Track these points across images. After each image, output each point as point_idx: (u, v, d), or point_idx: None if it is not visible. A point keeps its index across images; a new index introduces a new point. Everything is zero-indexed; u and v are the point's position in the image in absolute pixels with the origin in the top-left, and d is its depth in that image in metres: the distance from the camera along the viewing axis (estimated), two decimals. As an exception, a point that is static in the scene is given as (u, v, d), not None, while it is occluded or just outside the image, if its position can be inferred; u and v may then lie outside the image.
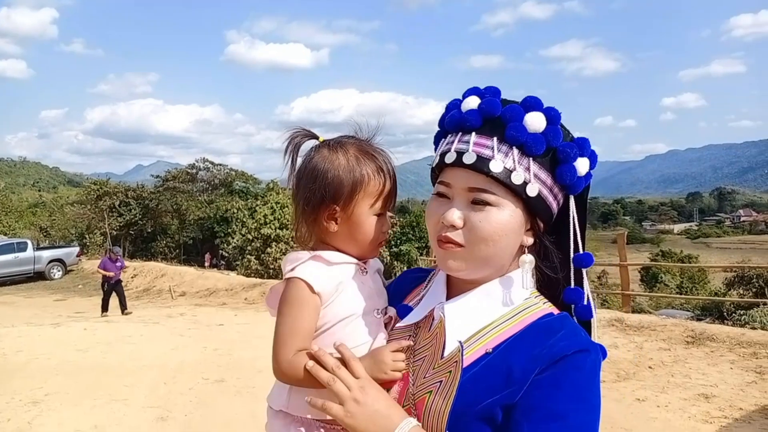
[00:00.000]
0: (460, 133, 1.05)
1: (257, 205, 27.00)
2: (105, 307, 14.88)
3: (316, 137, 1.23)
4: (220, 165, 44.67)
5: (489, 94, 1.06)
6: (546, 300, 1.10)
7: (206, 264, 33.40)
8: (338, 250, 1.18)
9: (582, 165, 1.06)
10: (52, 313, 15.01)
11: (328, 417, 1.05)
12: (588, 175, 1.08)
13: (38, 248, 23.78)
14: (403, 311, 1.18)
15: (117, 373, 7.75)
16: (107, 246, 17.18)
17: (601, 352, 1.03)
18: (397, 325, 1.17)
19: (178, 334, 11.02)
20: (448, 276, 1.14)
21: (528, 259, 1.07)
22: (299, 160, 1.22)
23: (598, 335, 1.10)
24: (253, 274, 22.80)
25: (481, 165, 1.00)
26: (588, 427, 0.94)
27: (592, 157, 1.08)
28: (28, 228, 38.22)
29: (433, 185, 1.13)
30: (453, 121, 1.07)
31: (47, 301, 18.27)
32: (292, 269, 1.15)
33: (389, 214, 1.23)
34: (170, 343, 9.98)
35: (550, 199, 1.05)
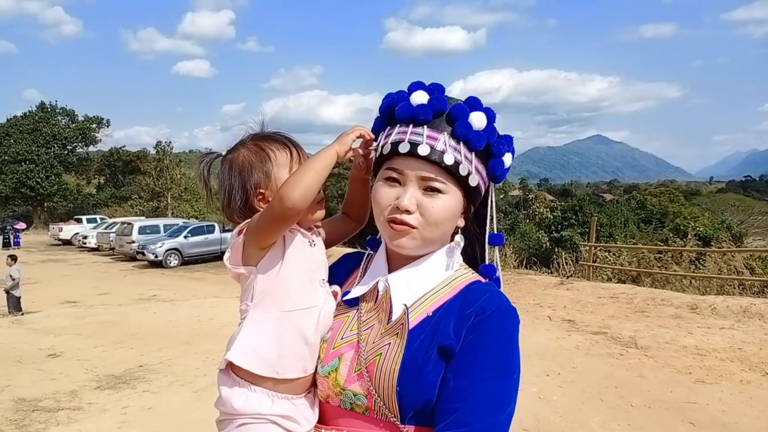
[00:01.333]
0: (411, 125, 1.16)
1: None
2: None
3: (219, 154, 1.33)
4: (381, 152, 46.21)
5: (436, 91, 1.19)
6: (473, 271, 1.25)
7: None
8: None
9: (507, 159, 1.21)
10: (236, 288, 16.51)
11: (261, 373, 1.16)
12: (509, 167, 1.23)
13: (224, 230, 26.12)
14: (345, 294, 1.27)
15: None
16: None
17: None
18: (344, 298, 1.26)
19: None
20: (387, 253, 1.25)
21: (460, 239, 1.23)
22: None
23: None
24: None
25: (435, 157, 1.12)
26: (503, 377, 1.07)
27: (513, 152, 1.24)
28: (214, 213, 41.97)
29: (374, 169, 1.25)
30: (405, 113, 1.17)
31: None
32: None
33: None
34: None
35: (483, 187, 1.21)
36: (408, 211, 1.12)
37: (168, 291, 15.53)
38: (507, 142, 1.22)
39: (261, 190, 1.25)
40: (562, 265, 17.60)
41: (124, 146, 56.90)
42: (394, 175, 1.16)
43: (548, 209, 35.04)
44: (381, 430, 1.11)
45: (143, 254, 23.45)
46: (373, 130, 1.26)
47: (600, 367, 6.90)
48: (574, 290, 12.36)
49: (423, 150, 1.12)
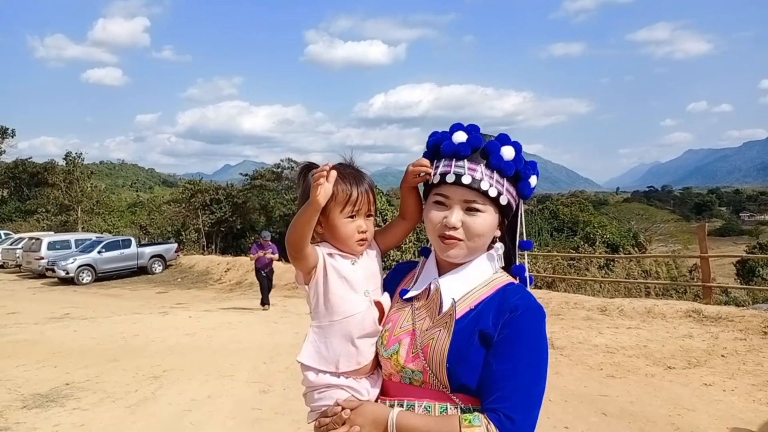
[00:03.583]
0: (454, 159, 1.44)
1: (339, 202, 27.43)
2: (265, 300, 13.80)
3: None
4: (304, 164, 45.82)
5: (473, 131, 1.46)
6: (508, 274, 1.53)
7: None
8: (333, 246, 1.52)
9: (533, 180, 1.49)
10: (155, 305, 16.01)
11: (343, 368, 1.45)
12: (534, 187, 1.50)
13: (140, 245, 25.24)
14: (403, 292, 1.54)
15: (222, 353, 8.65)
16: (258, 237, 15.74)
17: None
18: (403, 297, 1.53)
19: (272, 321, 11.93)
20: (437, 260, 1.52)
21: (500, 246, 1.53)
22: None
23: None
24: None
25: (475, 184, 1.40)
26: (535, 363, 1.33)
27: (538, 174, 1.50)
28: (128, 226, 40.27)
29: (425, 193, 1.54)
30: (448, 150, 1.45)
31: (150, 293, 19.41)
32: None
33: (367, 217, 1.54)
34: (266, 329, 10.87)
35: (513, 204, 1.48)
36: (455, 228, 1.41)
37: (82, 309, 14.89)
38: (532, 167, 1.50)
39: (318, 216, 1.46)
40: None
41: (30, 157, 54.03)
42: (441, 199, 1.45)
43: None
44: (435, 398, 1.39)
45: (53, 271, 22.45)
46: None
47: (521, 367, 7.30)
48: (494, 297, 12.83)
49: (466, 180, 1.41)
